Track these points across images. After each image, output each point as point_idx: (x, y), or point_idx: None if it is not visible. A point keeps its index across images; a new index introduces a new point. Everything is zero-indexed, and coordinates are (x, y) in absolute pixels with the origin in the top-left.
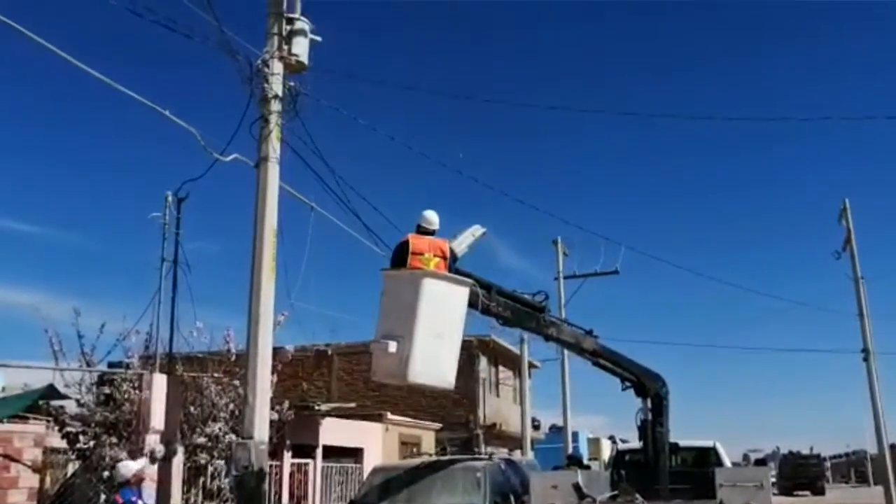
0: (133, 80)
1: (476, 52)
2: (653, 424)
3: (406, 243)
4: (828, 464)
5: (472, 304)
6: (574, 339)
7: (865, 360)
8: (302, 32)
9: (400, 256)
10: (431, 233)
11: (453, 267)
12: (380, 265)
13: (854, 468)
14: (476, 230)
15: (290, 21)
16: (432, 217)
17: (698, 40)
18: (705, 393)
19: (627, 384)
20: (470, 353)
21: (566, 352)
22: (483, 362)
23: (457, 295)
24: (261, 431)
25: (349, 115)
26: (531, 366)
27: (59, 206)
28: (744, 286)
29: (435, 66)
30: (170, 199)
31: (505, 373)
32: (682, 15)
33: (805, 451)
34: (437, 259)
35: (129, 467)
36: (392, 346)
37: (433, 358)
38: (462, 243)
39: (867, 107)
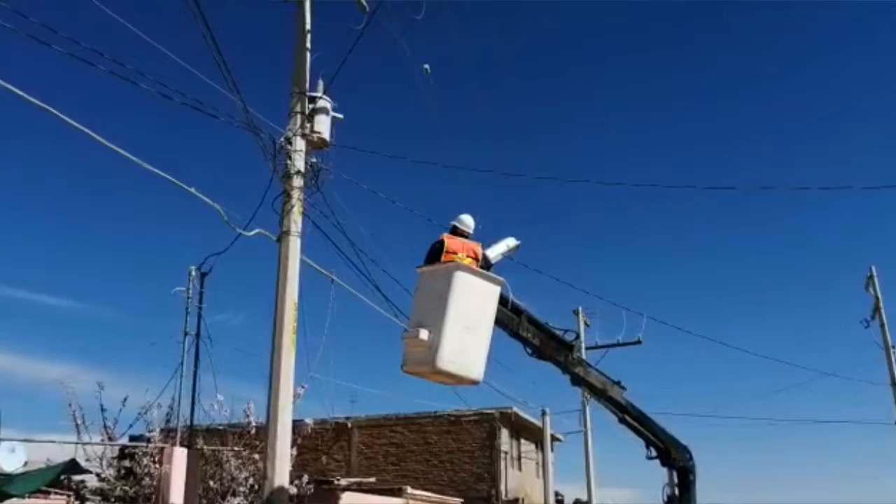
0: (158, 158)
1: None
2: (679, 500)
3: (441, 242)
4: None
5: (499, 321)
6: (601, 385)
7: None
8: (324, 111)
9: (434, 255)
10: (466, 235)
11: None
12: (399, 336)
13: None
14: (510, 242)
15: (313, 100)
16: (468, 220)
17: (707, 115)
18: (732, 465)
19: (653, 453)
20: (491, 425)
21: (589, 424)
22: (505, 435)
23: (488, 291)
24: None
25: (368, 189)
26: (554, 438)
27: (87, 280)
28: (770, 356)
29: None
30: (193, 273)
31: (527, 446)
32: (690, 97)
33: None
34: (469, 260)
35: None
36: (423, 334)
37: (462, 349)
38: (496, 251)
39: (888, 175)
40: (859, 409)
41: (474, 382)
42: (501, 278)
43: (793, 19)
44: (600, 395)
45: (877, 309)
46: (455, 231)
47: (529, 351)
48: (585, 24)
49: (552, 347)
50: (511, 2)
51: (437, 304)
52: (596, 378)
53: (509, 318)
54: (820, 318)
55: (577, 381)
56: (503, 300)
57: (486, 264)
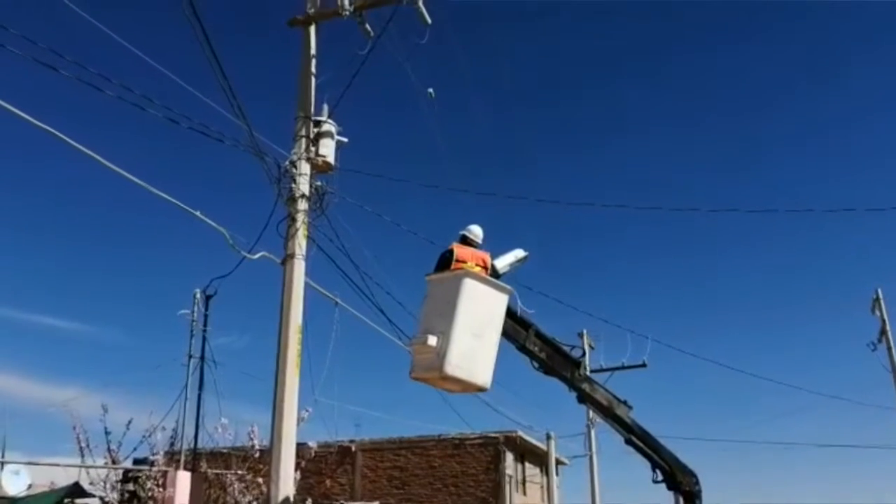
0: (164, 181)
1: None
2: None
3: (451, 251)
4: None
5: (506, 333)
6: (607, 403)
7: None
8: (329, 134)
9: (443, 264)
10: (475, 245)
11: None
12: (405, 359)
13: None
14: (518, 253)
15: (318, 124)
16: (477, 230)
17: (709, 137)
18: (736, 488)
19: (659, 476)
20: (496, 449)
21: (594, 447)
22: (509, 459)
23: (496, 299)
24: None
25: (373, 212)
26: (559, 462)
27: (92, 303)
28: (775, 380)
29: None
30: (198, 296)
31: (532, 470)
32: (692, 118)
33: None
34: (478, 268)
35: None
36: (431, 340)
37: (470, 355)
38: (504, 261)
39: (893, 195)
40: (867, 433)
41: (481, 389)
42: (510, 287)
43: (791, 39)
44: (606, 413)
45: (883, 332)
46: (464, 241)
47: (536, 365)
48: (589, 45)
49: (559, 362)
50: (514, 25)
51: (444, 311)
52: (602, 396)
53: (517, 330)
54: (825, 340)
55: (583, 398)
56: (511, 312)
57: (494, 274)
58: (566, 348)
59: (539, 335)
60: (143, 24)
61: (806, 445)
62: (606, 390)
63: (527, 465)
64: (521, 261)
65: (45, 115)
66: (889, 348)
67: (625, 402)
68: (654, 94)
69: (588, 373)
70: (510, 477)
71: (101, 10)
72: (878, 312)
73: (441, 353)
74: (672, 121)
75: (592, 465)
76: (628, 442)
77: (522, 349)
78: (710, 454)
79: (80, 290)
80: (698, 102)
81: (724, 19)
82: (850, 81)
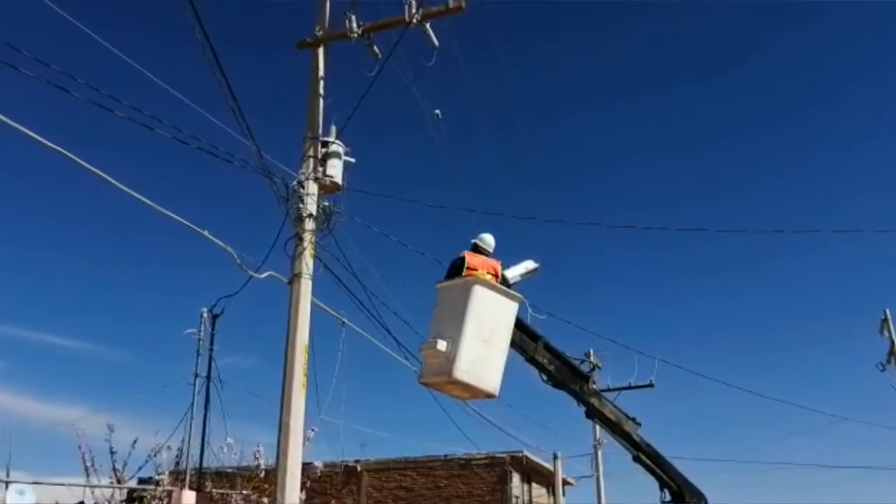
0: (172, 201)
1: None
2: None
3: (462, 259)
4: None
5: (515, 345)
6: (616, 419)
7: None
8: (336, 155)
9: (455, 271)
10: (486, 254)
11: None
12: (411, 379)
13: None
14: (529, 264)
15: (326, 144)
16: (489, 239)
17: (714, 157)
18: None
19: (667, 496)
20: (502, 469)
21: (601, 468)
22: (516, 479)
23: (506, 307)
24: None
25: (380, 232)
26: (565, 483)
27: (99, 322)
28: (783, 400)
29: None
30: (205, 315)
31: (538, 490)
32: (697, 139)
33: None
34: (489, 276)
35: None
36: (441, 345)
37: (479, 361)
38: (514, 272)
39: None
40: (875, 454)
41: (490, 396)
42: (520, 295)
43: (797, 56)
44: (615, 429)
45: (891, 353)
46: (476, 249)
47: (544, 378)
48: (594, 68)
49: (567, 375)
50: (520, 44)
51: (454, 317)
52: (611, 411)
53: (525, 342)
54: (833, 361)
55: (591, 413)
56: (521, 324)
57: (504, 284)
58: (575, 362)
59: (548, 348)
60: (153, 44)
61: (814, 466)
62: (615, 406)
63: (533, 485)
64: (531, 272)
65: (55, 135)
66: None
67: (633, 419)
68: (658, 113)
69: (596, 388)
70: (516, 498)
71: (111, 31)
72: (886, 333)
73: (450, 358)
74: (678, 139)
75: (599, 485)
76: (636, 459)
77: (531, 361)
78: (718, 475)
79: (87, 310)
80: (705, 121)
81: (730, 35)
82: (857, 100)
